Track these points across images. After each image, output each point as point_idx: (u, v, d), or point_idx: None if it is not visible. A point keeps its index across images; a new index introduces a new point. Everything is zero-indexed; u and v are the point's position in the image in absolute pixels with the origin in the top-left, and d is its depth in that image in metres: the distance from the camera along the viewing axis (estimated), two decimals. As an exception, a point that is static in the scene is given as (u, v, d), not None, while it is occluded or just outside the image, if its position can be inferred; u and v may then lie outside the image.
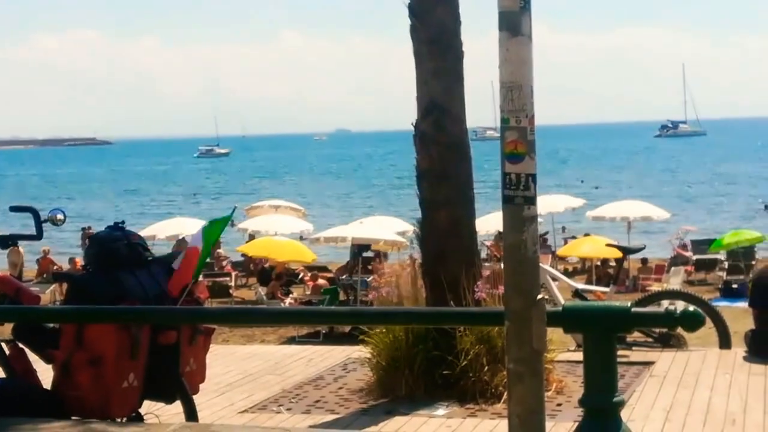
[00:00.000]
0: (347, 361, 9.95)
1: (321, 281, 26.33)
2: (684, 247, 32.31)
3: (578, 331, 4.57)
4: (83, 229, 38.77)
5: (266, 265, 29.89)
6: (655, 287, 25.14)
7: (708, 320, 8.76)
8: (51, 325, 5.95)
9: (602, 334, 4.16)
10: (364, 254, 27.57)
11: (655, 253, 31.23)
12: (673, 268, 28.45)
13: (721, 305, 17.15)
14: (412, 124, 9.00)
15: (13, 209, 6.80)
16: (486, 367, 8.26)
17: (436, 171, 8.91)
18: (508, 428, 4.18)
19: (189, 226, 28.98)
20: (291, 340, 19.75)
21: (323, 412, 8.29)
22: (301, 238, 30.03)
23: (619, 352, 7.25)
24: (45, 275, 30.05)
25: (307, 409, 8.42)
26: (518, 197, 4.04)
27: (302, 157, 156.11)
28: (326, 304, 21.98)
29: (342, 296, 24.73)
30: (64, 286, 11.99)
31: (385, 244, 26.55)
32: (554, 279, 11.26)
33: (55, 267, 30.86)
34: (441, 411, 8.09)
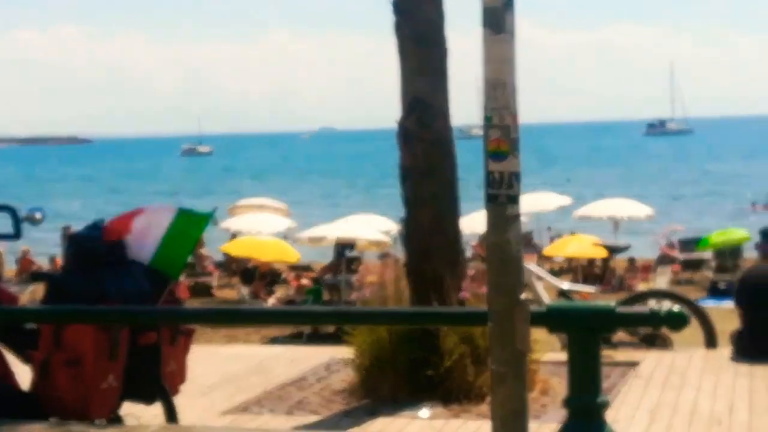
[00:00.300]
0: (331, 362, 9.89)
1: (304, 281, 26.25)
2: (671, 246, 32.31)
3: (562, 332, 4.54)
4: (63, 228, 38.59)
5: (249, 265, 29.77)
6: (642, 287, 25.12)
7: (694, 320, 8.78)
8: (30, 325, 5.88)
9: (587, 334, 4.14)
10: (349, 254, 27.48)
11: (642, 253, 31.21)
12: (659, 268, 28.42)
13: (708, 305, 17.16)
14: (396, 121, 8.93)
15: (-10, 208, 6.71)
16: (470, 368, 8.22)
17: (420, 168, 8.84)
18: (491, 429, 4.13)
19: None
20: (274, 341, 19.66)
21: (306, 413, 8.24)
22: (285, 237, 29.90)
23: (605, 353, 7.23)
24: (24, 275, 29.85)
25: (290, 410, 8.36)
26: (501, 196, 3.99)
27: (286, 156, 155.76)
28: (310, 304, 21.92)
29: (326, 296, 24.67)
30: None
31: (368, 243, 26.47)
32: (540, 278, 11.20)
33: (35, 267, 30.66)
34: (424, 412, 8.04)
